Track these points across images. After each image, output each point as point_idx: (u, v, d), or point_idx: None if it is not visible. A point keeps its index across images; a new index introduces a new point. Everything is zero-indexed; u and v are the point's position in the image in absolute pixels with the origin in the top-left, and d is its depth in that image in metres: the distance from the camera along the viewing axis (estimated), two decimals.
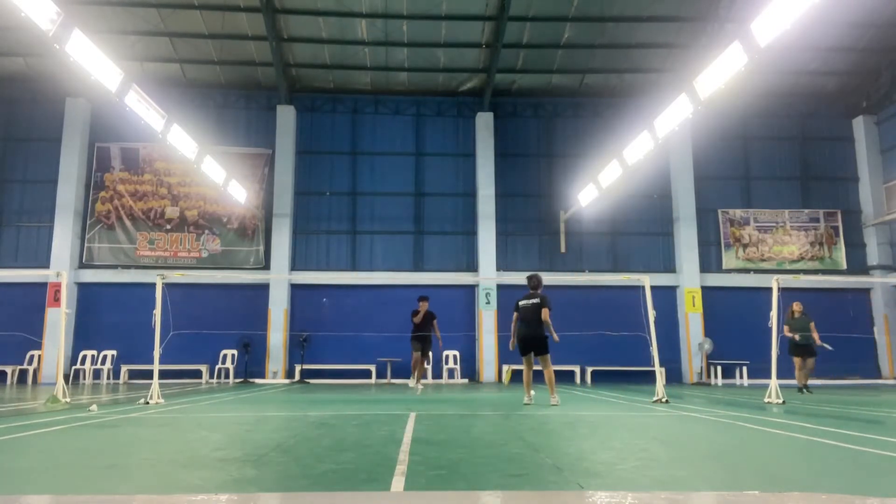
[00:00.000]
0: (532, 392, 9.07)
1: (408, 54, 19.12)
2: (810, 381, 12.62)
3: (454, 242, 19.61)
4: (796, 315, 12.60)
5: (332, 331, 18.27)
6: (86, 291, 18.59)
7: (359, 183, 19.82)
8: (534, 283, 9.23)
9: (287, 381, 17.81)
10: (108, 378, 17.64)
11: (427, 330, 12.88)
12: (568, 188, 19.16)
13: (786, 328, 12.40)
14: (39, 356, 17.63)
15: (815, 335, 12.41)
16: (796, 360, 12.51)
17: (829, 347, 12.55)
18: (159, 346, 9.19)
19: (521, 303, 9.22)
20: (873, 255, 19.67)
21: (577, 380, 18.17)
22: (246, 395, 11.64)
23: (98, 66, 10.07)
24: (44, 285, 17.65)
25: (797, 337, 12.35)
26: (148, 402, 8.62)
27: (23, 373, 17.59)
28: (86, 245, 18.75)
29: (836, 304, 18.89)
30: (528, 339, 9.00)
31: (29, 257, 18.49)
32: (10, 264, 18.35)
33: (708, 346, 18.33)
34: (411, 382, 13.01)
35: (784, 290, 9.80)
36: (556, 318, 8.93)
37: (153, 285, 9.26)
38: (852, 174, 20.29)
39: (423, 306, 12.86)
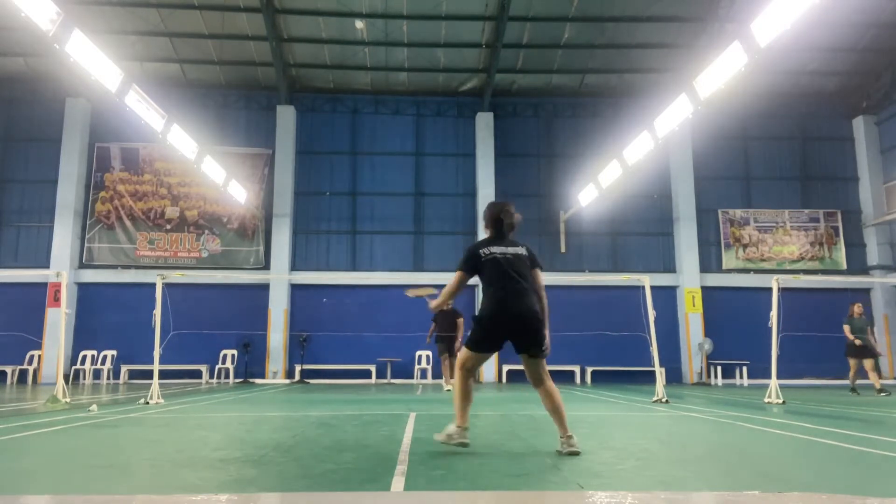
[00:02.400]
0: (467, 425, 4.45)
1: (408, 54, 19.12)
2: (881, 383, 12.41)
3: (454, 242, 19.59)
4: (856, 316, 12.36)
5: (332, 331, 18.27)
6: (86, 291, 18.59)
7: (359, 183, 19.83)
8: (510, 217, 4.93)
9: (287, 381, 17.81)
10: (108, 378, 17.63)
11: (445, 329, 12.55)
12: (568, 188, 19.16)
13: (846, 328, 12.23)
14: (39, 356, 17.63)
15: (871, 338, 12.24)
16: (853, 362, 12.30)
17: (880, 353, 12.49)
18: (159, 346, 9.19)
19: (494, 251, 4.59)
20: (873, 255, 19.67)
21: (577, 380, 18.16)
22: (246, 395, 11.64)
23: (98, 66, 10.07)
24: (44, 285, 17.64)
25: (857, 340, 12.09)
26: (148, 402, 8.62)
27: (23, 373, 17.58)
28: (86, 245, 18.75)
29: (837, 305, 18.86)
30: (518, 318, 4.36)
31: (29, 257, 18.49)
32: (10, 264, 18.35)
33: (708, 346, 18.33)
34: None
35: (784, 290, 9.79)
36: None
37: (153, 285, 9.26)
38: (852, 174, 20.29)
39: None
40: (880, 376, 12.49)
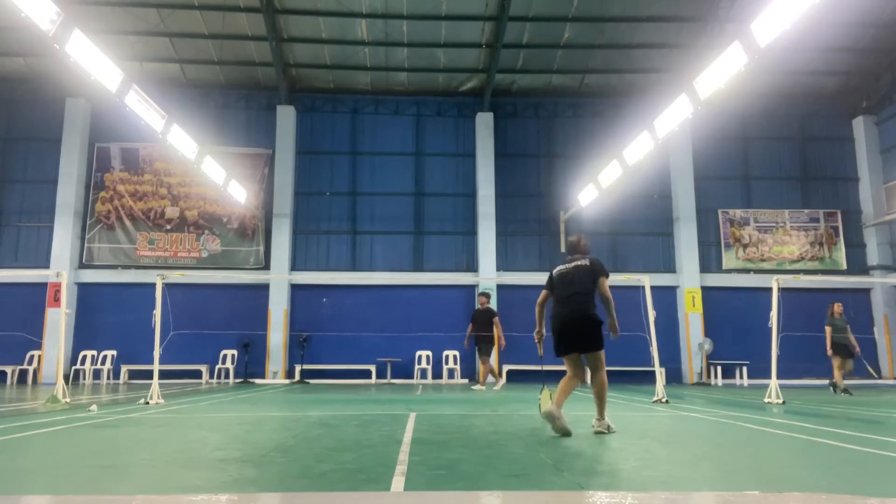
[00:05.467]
0: (564, 415, 5.16)
1: (408, 54, 19.12)
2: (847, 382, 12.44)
3: (454, 242, 19.60)
4: (837, 316, 12.41)
5: (332, 331, 18.25)
6: (86, 291, 18.58)
7: (359, 183, 19.82)
8: (581, 244, 6.03)
9: (287, 381, 17.81)
10: (108, 378, 17.63)
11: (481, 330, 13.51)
12: (568, 188, 19.15)
13: (828, 329, 12.23)
14: (39, 356, 17.62)
15: (851, 337, 12.24)
16: (836, 360, 12.25)
17: (857, 351, 12.31)
18: (159, 346, 9.19)
19: (559, 270, 5.88)
20: (873, 255, 19.67)
21: None
22: (246, 395, 11.64)
23: (98, 67, 10.06)
24: (44, 285, 17.63)
25: (831, 339, 12.13)
26: (148, 403, 8.62)
27: (23, 373, 17.58)
28: (86, 245, 18.74)
29: None
30: (571, 324, 5.57)
31: (29, 257, 18.48)
32: (10, 264, 18.34)
33: (708, 346, 18.33)
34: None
35: (784, 291, 9.80)
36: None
37: (153, 285, 9.26)
38: (852, 174, 20.28)
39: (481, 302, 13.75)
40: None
